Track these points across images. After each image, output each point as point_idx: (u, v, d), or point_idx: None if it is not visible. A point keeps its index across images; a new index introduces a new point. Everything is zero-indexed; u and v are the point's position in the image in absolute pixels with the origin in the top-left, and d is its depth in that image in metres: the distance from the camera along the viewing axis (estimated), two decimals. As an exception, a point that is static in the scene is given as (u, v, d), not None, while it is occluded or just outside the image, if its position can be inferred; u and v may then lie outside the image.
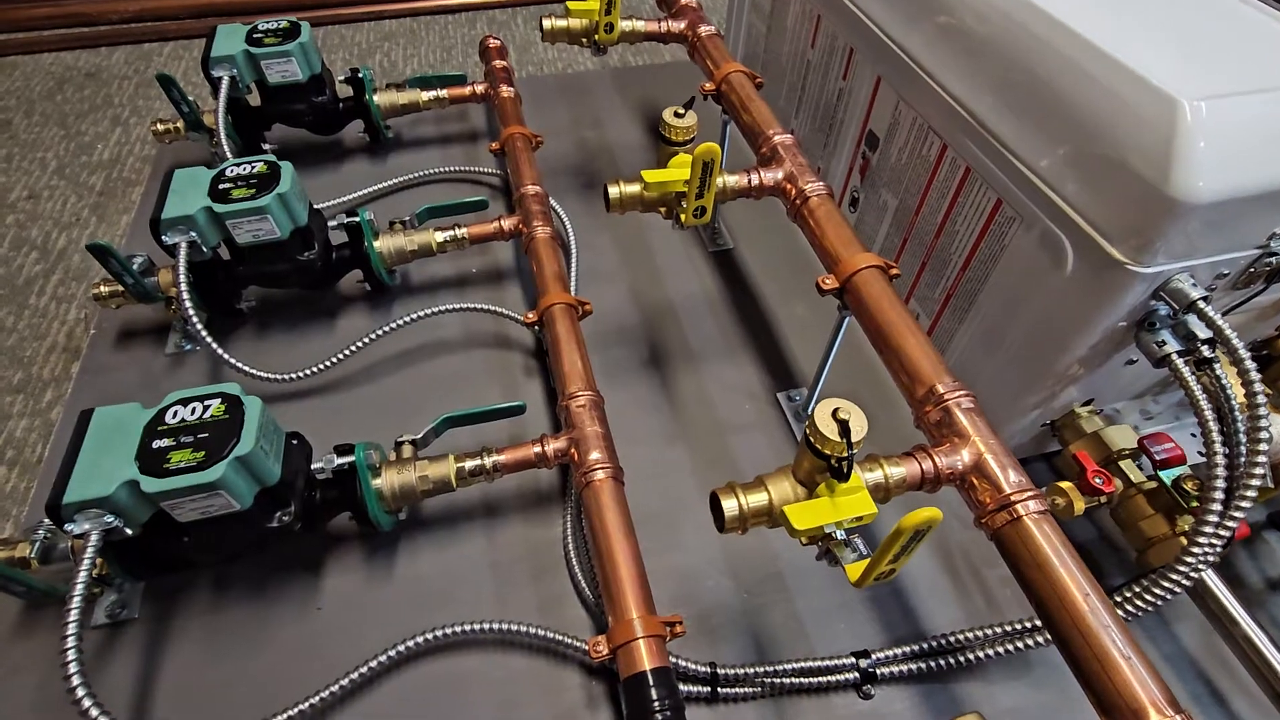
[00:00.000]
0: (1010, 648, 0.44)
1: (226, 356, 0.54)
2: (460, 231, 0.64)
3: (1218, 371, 0.39)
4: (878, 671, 0.45)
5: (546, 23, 0.64)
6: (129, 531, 0.38)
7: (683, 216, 0.47)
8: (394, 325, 0.58)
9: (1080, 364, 0.45)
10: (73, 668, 0.34)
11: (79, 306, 0.69)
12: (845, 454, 0.29)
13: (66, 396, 0.60)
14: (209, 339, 0.53)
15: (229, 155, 0.67)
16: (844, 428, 0.29)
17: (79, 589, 0.35)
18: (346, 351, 0.57)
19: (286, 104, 0.74)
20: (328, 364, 0.57)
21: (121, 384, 0.60)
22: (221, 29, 0.72)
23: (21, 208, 0.79)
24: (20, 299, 0.70)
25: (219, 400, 0.40)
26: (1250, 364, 0.37)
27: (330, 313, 0.66)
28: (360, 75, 0.76)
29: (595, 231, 0.75)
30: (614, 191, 0.48)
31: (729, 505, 0.33)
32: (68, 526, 0.36)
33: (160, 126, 0.74)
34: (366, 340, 0.58)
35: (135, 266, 0.55)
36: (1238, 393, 0.40)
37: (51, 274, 0.72)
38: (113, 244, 0.52)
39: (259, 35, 0.70)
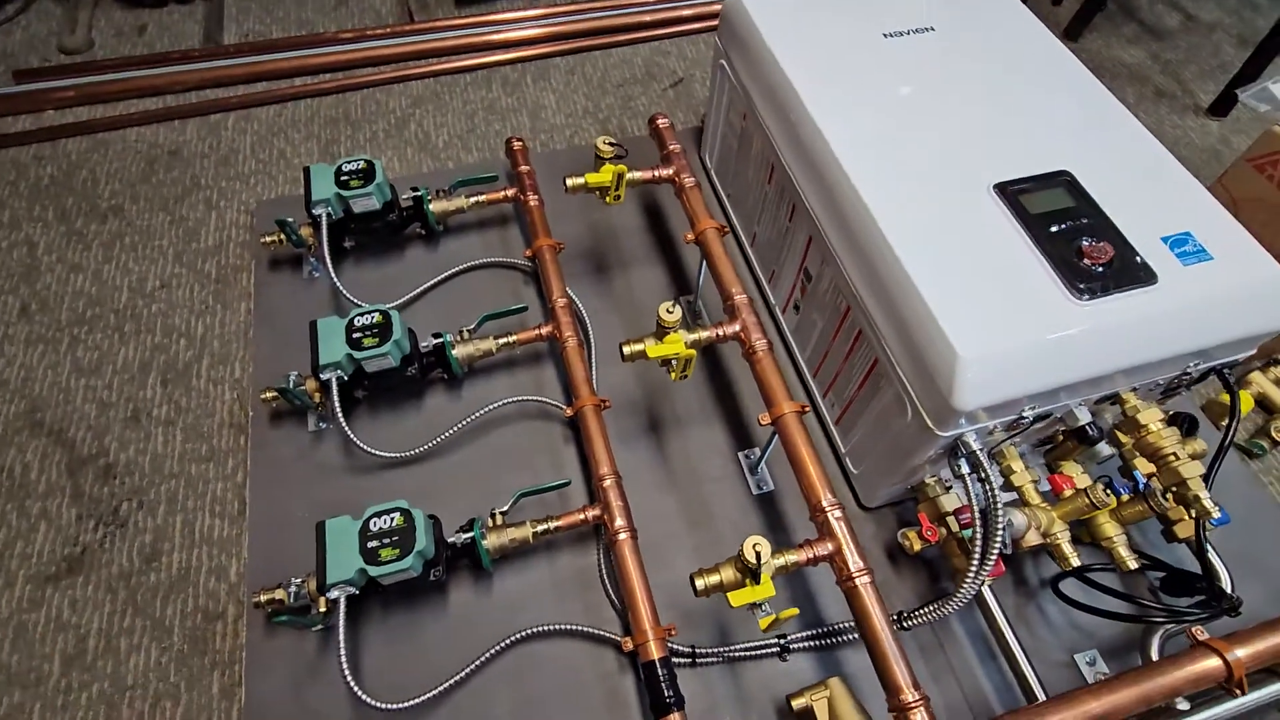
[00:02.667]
0: (868, 633, 0.74)
1: (362, 444, 0.80)
2: (511, 339, 0.88)
3: (984, 488, 0.66)
4: (791, 646, 0.75)
5: (570, 181, 0.86)
6: (355, 591, 0.66)
7: (673, 375, 0.73)
8: (478, 415, 0.85)
9: (920, 467, 0.72)
10: (348, 675, 0.63)
11: (230, 388, 0.94)
12: (757, 569, 0.57)
13: (247, 465, 0.86)
14: (351, 434, 0.79)
15: (328, 265, 0.90)
16: (758, 556, 0.57)
17: (342, 629, 0.64)
18: (442, 436, 0.83)
19: (366, 222, 0.96)
20: (427, 446, 0.83)
21: (282, 455, 0.86)
22: (314, 171, 0.93)
23: (160, 296, 1.02)
24: (185, 381, 0.94)
25: (398, 513, 0.67)
26: (995, 488, 0.64)
27: (418, 395, 0.92)
28: (419, 193, 0.98)
29: (606, 314, 0.99)
30: (627, 350, 0.73)
31: (699, 584, 0.61)
32: (328, 594, 0.64)
33: (267, 239, 0.96)
34: (457, 427, 0.84)
35: (295, 386, 0.80)
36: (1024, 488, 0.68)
37: (201, 359, 0.96)
38: (293, 386, 0.78)
39: (345, 178, 0.91)
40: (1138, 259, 0.66)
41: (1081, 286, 0.64)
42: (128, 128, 1.21)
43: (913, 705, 0.57)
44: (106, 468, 0.87)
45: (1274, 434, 0.91)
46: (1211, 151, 1.26)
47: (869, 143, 0.74)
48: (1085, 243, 0.66)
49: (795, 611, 0.58)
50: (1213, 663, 0.59)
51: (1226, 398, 0.88)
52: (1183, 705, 0.67)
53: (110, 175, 1.15)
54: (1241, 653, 0.59)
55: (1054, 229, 0.68)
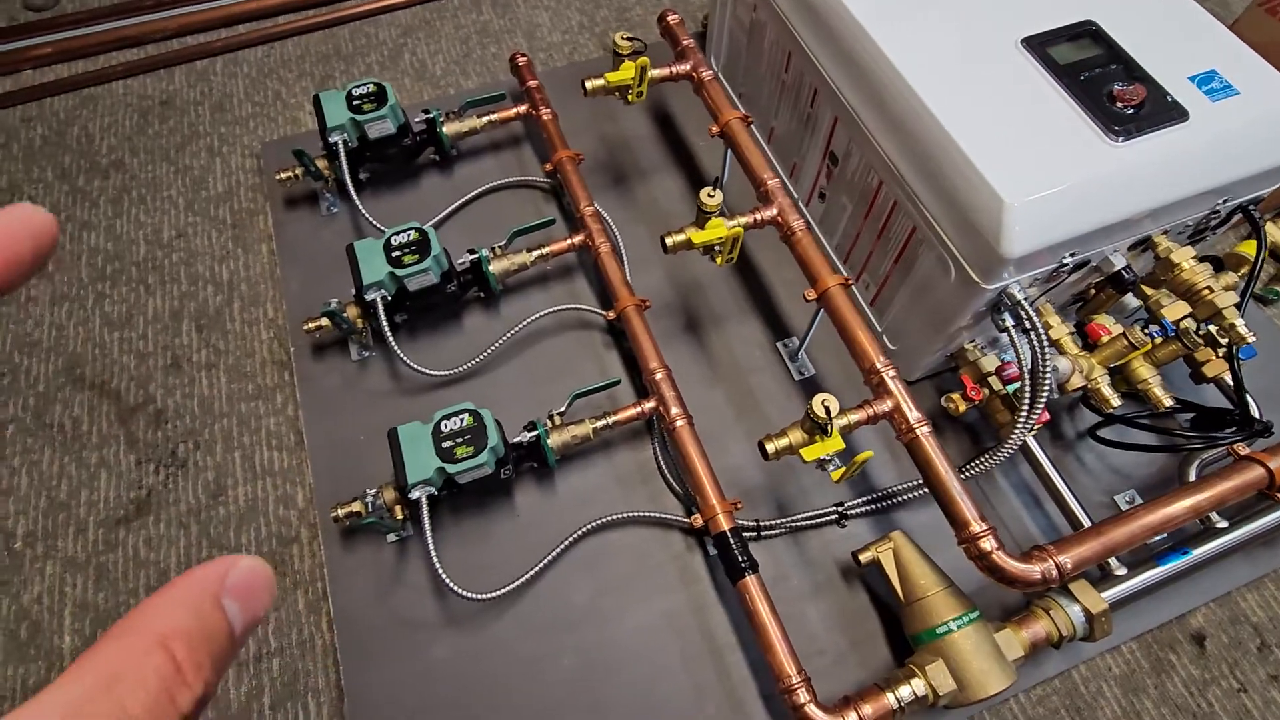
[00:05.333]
0: (922, 493, 0.77)
1: (411, 363, 0.81)
2: (545, 250, 0.88)
3: (1030, 337, 0.69)
4: (849, 512, 0.78)
5: (589, 83, 0.85)
6: (435, 492, 0.68)
7: (719, 260, 0.74)
8: (522, 325, 0.86)
9: (962, 329, 0.75)
10: (438, 565, 0.66)
11: (265, 328, 0.94)
12: (828, 423, 0.59)
13: (296, 399, 0.87)
14: (400, 352, 0.80)
15: (350, 190, 0.90)
16: (828, 411, 0.59)
17: (427, 527, 0.66)
18: (489, 350, 0.85)
19: (381, 149, 0.94)
20: (474, 362, 0.84)
21: (330, 385, 0.87)
22: (324, 98, 0.91)
23: (178, 246, 1.01)
24: (219, 326, 0.94)
25: (467, 414, 0.68)
26: (1042, 334, 0.66)
27: (456, 316, 0.92)
28: (432, 115, 0.96)
29: (631, 224, 0.99)
30: (670, 240, 0.74)
31: (769, 447, 0.63)
32: (410, 494, 0.66)
33: (283, 175, 0.95)
34: (503, 340, 0.85)
35: (339, 310, 0.81)
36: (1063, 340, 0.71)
37: (232, 303, 0.96)
38: (338, 308, 0.78)
39: (357, 102, 0.90)
40: (1168, 98, 0.67)
41: (1117, 128, 0.65)
42: (113, 81, 1.17)
43: (981, 535, 0.60)
44: (156, 414, 0.88)
45: (1288, 279, 0.94)
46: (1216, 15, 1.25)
47: (896, 10, 0.74)
48: (1117, 86, 0.67)
49: (870, 454, 0.61)
50: (1256, 472, 0.63)
51: (1243, 248, 0.91)
52: (1221, 524, 0.72)
53: (104, 130, 1.12)
54: (1282, 461, 0.63)
55: (1084, 76, 0.68)
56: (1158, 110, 0.66)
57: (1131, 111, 0.66)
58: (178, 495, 0.83)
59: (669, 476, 0.81)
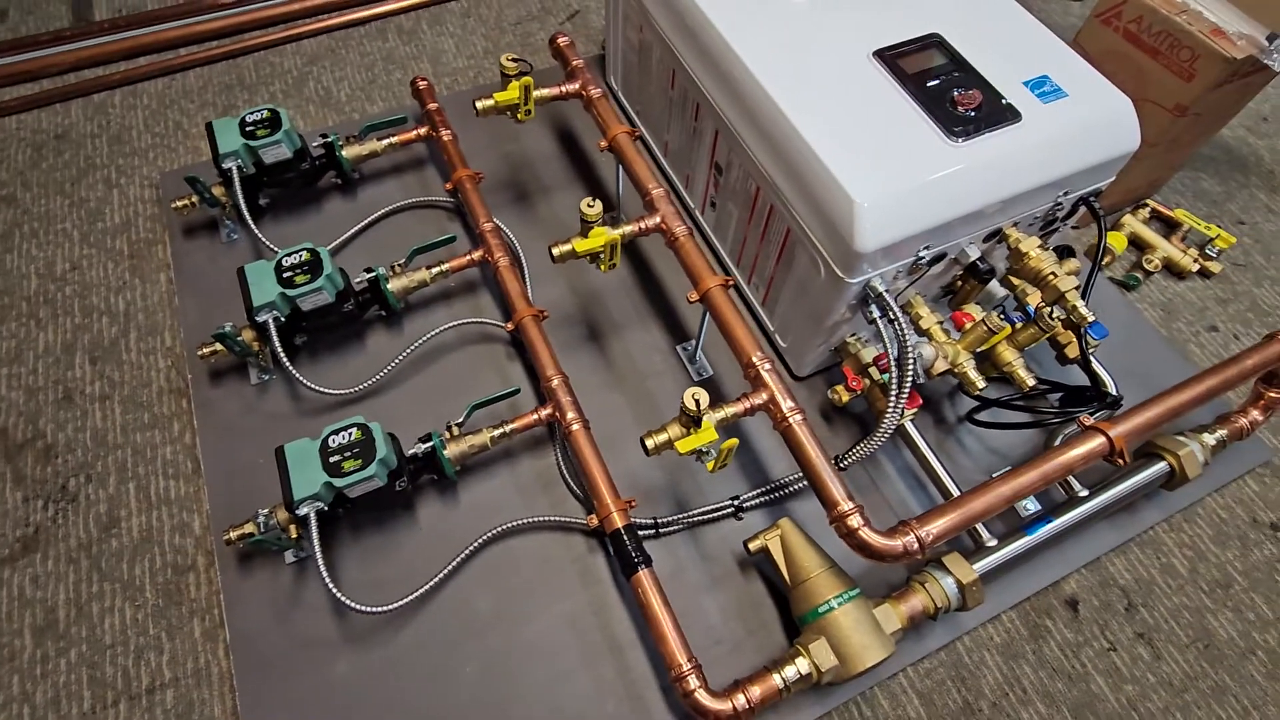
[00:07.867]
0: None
1: (307, 383, 0.81)
2: (444, 266, 0.90)
3: (894, 326, 0.73)
4: (745, 505, 0.81)
5: (480, 104, 0.87)
6: (324, 507, 0.68)
7: (602, 267, 0.76)
8: (420, 342, 0.87)
9: (840, 323, 0.79)
10: (327, 579, 0.66)
11: (162, 356, 0.93)
12: (699, 416, 0.62)
13: (194, 426, 0.86)
14: (295, 373, 0.80)
15: (245, 216, 0.90)
16: (698, 405, 0.62)
17: (316, 542, 0.66)
18: (388, 368, 0.85)
19: (278, 174, 0.95)
20: (375, 379, 0.85)
21: (228, 411, 0.87)
22: (217, 125, 0.91)
23: (72, 279, 0.99)
24: (114, 358, 0.92)
25: (355, 428, 0.69)
26: (903, 324, 0.71)
27: (359, 335, 0.93)
28: (330, 139, 0.97)
29: (533, 239, 1.02)
30: (557, 251, 0.76)
31: (649, 443, 0.66)
32: (298, 510, 0.66)
33: (179, 203, 0.95)
34: (401, 357, 0.86)
35: (232, 333, 0.80)
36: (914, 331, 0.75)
37: (128, 333, 0.94)
38: (231, 331, 0.78)
39: (250, 128, 0.90)
40: (1003, 101, 0.73)
41: (956, 130, 0.70)
42: (5, 116, 1.15)
43: (849, 513, 0.64)
44: (46, 449, 0.86)
45: (1145, 266, 1.02)
46: (1074, 29, 1.35)
47: (759, 26, 0.78)
48: (956, 92, 0.72)
49: (735, 442, 0.64)
50: (1097, 440, 0.68)
51: (1110, 239, 0.98)
52: (1083, 493, 0.77)
53: (-5, 166, 1.09)
54: (1120, 429, 0.68)
55: (929, 84, 0.74)
56: (993, 112, 0.72)
57: (970, 114, 0.71)
58: (67, 530, 0.81)
59: (570, 481, 0.83)
